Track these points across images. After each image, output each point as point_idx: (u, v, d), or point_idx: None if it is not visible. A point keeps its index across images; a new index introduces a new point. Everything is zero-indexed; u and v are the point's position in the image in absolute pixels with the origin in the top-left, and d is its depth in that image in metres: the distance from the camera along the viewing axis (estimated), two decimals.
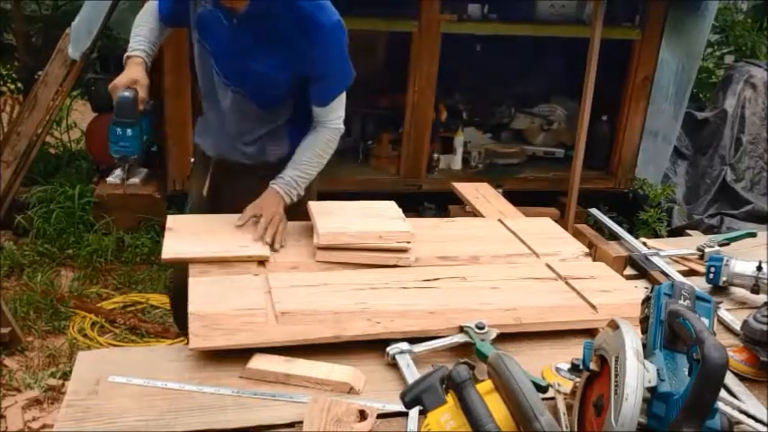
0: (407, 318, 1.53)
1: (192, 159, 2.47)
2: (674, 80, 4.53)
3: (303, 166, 2.06)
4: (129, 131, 1.92)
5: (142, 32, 2.07)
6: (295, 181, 2.04)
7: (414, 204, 4.24)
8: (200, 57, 2.10)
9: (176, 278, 2.37)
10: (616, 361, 1.07)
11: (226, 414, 1.26)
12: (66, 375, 2.83)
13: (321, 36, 1.91)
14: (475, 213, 2.37)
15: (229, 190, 2.22)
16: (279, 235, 1.90)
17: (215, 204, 2.21)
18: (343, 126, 2.10)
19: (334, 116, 2.06)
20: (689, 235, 2.43)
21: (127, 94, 1.91)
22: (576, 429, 1.19)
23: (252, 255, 1.80)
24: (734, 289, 1.83)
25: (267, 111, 2.10)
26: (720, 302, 1.72)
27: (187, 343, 1.42)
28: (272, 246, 1.86)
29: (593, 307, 1.64)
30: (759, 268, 1.76)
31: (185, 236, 1.89)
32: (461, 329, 1.49)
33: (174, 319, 2.69)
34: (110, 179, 2.03)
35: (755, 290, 1.76)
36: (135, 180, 2.03)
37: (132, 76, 1.95)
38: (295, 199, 2.05)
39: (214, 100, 2.13)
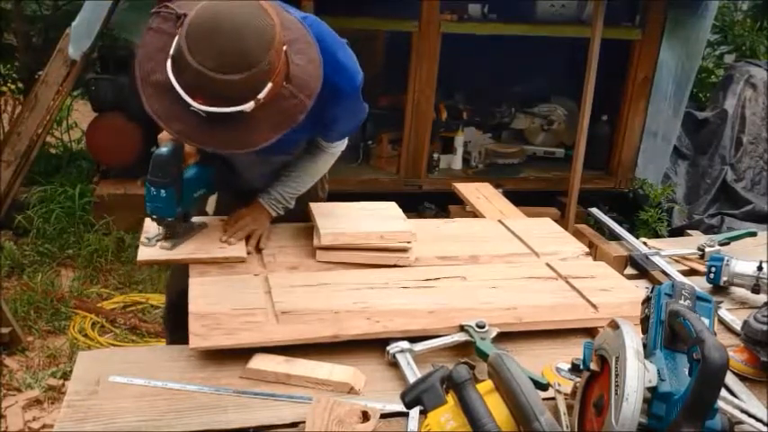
0: (407, 317, 1.52)
1: None
2: (673, 80, 4.53)
3: (296, 183, 1.99)
4: (162, 192, 1.74)
5: None
6: (283, 196, 1.98)
7: (414, 204, 4.24)
8: None
9: (176, 282, 2.20)
10: (616, 361, 1.07)
11: (226, 414, 1.26)
12: (66, 375, 2.83)
13: (341, 99, 1.79)
14: (475, 213, 2.37)
15: (240, 206, 2.02)
16: (253, 239, 1.86)
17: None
18: (343, 147, 2.03)
19: (337, 143, 2.00)
20: (689, 235, 2.42)
21: (163, 151, 1.73)
22: (576, 429, 1.19)
23: (228, 256, 1.78)
24: (734, 289, 1.83)
25: (280, 159, 2.01)
26: (721, 302, 1.72)
27: (187, 343, 1.42)
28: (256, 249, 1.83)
29: (594, 306, 1.64)
30: (759, 268, 1.76)
31: None
32: (462, 328, 1.49)
33: (165, 321, 2.43)
34: (143, 239, 1.86)
35: (756, 290, 1.76)
36: (169, 244, 1.81)
37: None
38: (281, 212, 1.98)
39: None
